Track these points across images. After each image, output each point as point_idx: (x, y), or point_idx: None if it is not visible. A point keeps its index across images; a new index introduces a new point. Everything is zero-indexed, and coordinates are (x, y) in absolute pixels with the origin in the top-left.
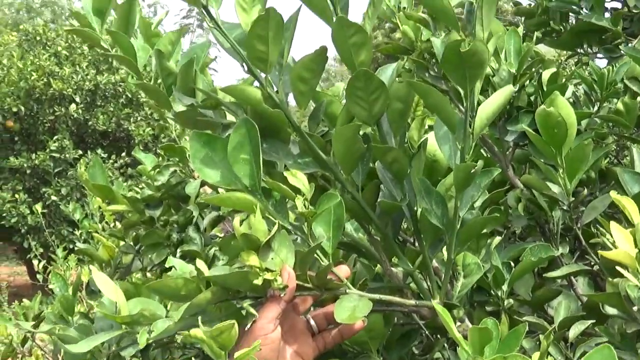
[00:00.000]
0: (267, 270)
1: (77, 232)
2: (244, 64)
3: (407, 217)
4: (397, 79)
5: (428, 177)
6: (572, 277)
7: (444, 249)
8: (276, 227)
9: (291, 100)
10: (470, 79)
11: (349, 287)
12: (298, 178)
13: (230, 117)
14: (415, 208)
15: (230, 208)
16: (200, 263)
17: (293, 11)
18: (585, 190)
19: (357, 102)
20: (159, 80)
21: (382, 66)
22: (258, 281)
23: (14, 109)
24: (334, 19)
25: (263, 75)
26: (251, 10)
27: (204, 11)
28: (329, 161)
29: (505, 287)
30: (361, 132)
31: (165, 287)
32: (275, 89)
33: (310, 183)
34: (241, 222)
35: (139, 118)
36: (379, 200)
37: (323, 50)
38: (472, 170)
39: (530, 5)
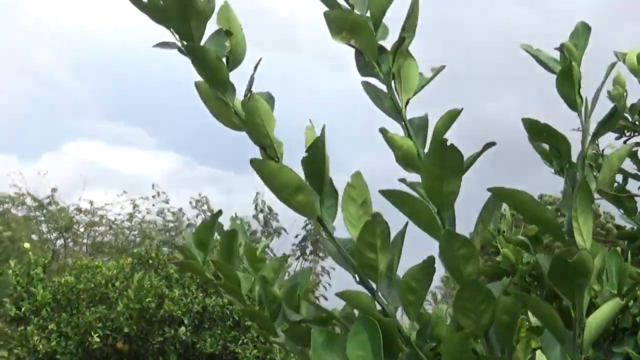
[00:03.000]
0: None
1: None
2: (355, 275)
3: None
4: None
5: None
6: None
7: None
8: None
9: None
10: (578, 289)
11: None
12: None
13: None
14: None
15: None
16: None
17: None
18: None
19: (465, 313)
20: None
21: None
22: None
23: (126, 329)
24: (442, 232)
25: (374, 284)
26: (359, 225)
27: (318, 222)
28: None
29: None
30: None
31: None
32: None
33: None
34: None
35: (245, 340)
36: None
37: (430, 260)
38: None
39: (633, 228)
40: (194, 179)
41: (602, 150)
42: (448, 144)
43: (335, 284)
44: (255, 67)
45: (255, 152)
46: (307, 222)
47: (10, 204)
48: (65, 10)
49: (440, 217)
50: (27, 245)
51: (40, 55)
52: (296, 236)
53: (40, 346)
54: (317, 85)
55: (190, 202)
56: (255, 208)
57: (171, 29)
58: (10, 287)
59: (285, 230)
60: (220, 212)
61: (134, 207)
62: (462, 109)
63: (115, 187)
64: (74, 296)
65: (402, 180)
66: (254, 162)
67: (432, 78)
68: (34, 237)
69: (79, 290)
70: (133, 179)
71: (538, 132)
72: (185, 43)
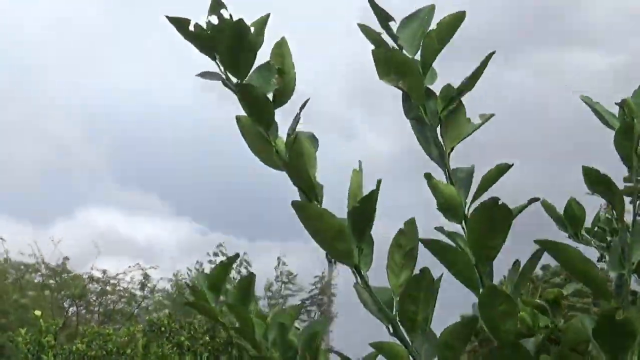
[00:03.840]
0: None
1: None
2: (389, 326)
3: None
4: None
5: None
6: None
7: None
8: None
9: None
10: (622, 350)
11: None
12: None
13: None
14: None
15: None
16: None
17: None
18: None
19: None
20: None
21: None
22: None
23: None
24: (481, 289)
25: (409, 337)
26: (400, 274)
27: (355, 270)
28: None
29: None
30: None
31: None
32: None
33: None
34: None
35: None
36: None
37: (473, 319)
38: None
39: None
40: (206, 246)
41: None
42: (500, 202)
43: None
44: (302, 108)
45: (268, 210)
46: (315, 285)
47: (24, 272)
48: (79, 78)
49: (478, 271)
50: (38, 312)
51: (54, 124)
52: (308, 299)
53: None
54: (327, 154)
55: (208, 254)
56: (275, 270)
57: (217, 61)
58: (21, 355)
59: (303, 289)
60: (237, 256)
61: (144, 277)
62: (512, 164)
63: (128, 254)
64: None
65: (440, 229)
66: (295, 205)
67: (480, 125)
68: (45, 303)
69: (90, 358)
70: (146, 245)
71: (597, 182)
72: (230, 76)
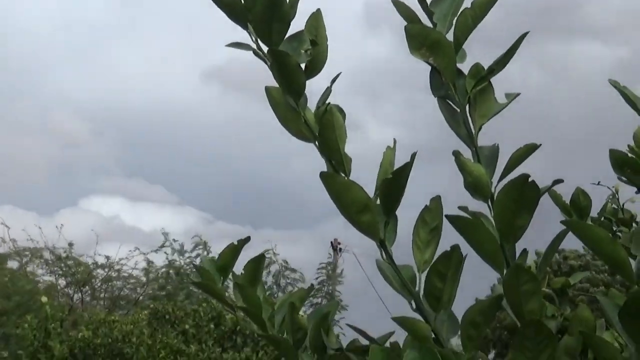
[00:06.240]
0: None
1: None
2: (412, 302)
3: None
4: None
5: None
6: None
7: None
8: None
9: None
10: None
11: None
12: None
13: None
14: None
15: None
16: None
17: None
18: None
19: (524, 352)
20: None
21: None
22: None
23: None
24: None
25: (433, 315)
26: (426, 250)
27: (380, 245)
28: None
29: None
30: None
31: None
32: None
33: None
34: None
35: None
36: None
37: (499, 297)
38: None
39: None
40: (212, 235)
41: (622, 205)
42: (529, 180)
43: None
44: (333, 81)
45: (274, 199)
46: (321, 272)
47: (28, 258)
48: (85, 74)
49: (504, 250)
50: (44, 299)
51: (61, 119)
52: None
53: None
54: None
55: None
56: (268, 267)
57: (249, 30)
58: (27, 342)
59: (301, 279)
60: (248, 239)
61: (148, 263)
62: (540, 144)
63: (133, 243)
64: (90, 351)
65: (464, 208)
66: (323, 176)
67: (507, 104)
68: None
69: (96, 346)
70: (152, 233)
71: (624, 164)
72: (262, 45)
